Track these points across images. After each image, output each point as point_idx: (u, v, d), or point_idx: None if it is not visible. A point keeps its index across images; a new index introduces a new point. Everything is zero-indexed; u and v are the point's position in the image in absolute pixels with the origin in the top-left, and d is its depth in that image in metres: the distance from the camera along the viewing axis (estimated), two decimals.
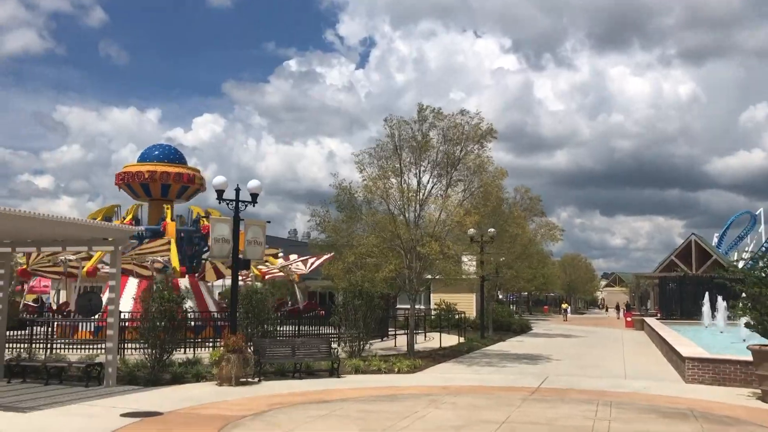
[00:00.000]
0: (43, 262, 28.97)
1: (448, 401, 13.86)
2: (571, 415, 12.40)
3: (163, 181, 32.29)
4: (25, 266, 28.29)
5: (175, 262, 28.31)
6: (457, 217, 21.67)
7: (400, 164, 22.40)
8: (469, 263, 32.37)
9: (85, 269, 28.42)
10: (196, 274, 31.26)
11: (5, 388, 15.12)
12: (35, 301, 43.59)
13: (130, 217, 31.18)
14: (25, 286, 43.69)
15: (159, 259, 28.56)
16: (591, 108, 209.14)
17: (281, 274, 34.89)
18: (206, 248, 32.10)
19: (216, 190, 18.25)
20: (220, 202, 18.34)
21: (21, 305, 35.57)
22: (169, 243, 28.44)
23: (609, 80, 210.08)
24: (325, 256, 30.98)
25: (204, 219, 32.73)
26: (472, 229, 26.02)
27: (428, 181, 22.75)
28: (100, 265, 28.55)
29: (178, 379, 16.71)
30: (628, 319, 52.61)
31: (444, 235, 22.66)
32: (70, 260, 29.06)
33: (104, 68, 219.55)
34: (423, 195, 22.61)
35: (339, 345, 21.76)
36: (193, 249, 32.61)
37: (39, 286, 46.98)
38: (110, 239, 15.86)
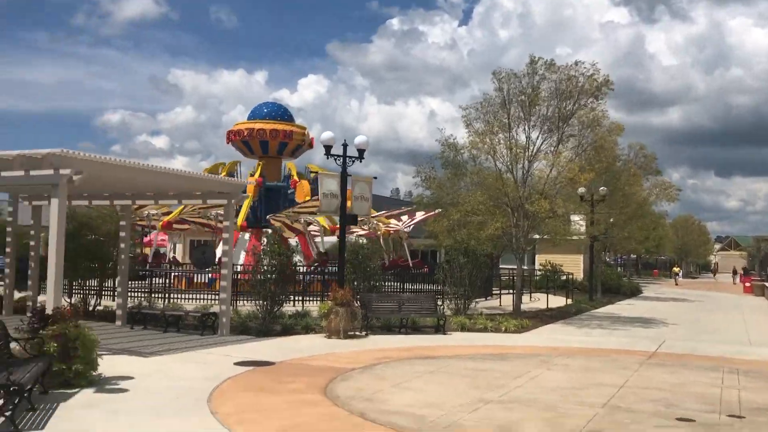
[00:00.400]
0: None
1: (559, 363, 13.43)
2: (694, 381, 11.70)
3: (272, 138, 32.90)
4: (168, 218, 29.61)
5: (240, 218, 28.90)
6: (570, 174, 20.83)
7: (509, 119, 21.68)
8: (578, 223, 31.29)
9: (161, 223, 29.55)
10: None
11: (129, 334, 15.93)
12: (154, 254, 45.92)
13: (224, 172, 31.82)
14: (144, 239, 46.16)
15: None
16: (707, 62, 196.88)
17: (398, 230, 35.00)
18: (295, 203, 32.44)
19: (324, 146, 18.29)
20: (327, 158, 18.39)
21: (141, 257, 37.64)
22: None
23: (728, 32, 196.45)
24: (428, 214, 30.80)
25: (294, 175, 33.19)
26: (582, 188, 25.04)
27: (537, 136, 21.97)
28: (175, 220, 29.63)
29: (287, 331, 17.09)
30: (747, 284, 49.68)
31: (554, 193, 21.87)
32: (153, 213, 30.24)
33: (215, 32, 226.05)
34: (532, 151, 21.85)
35: (443, 302, 21.60)
36: (284, 203, 33.06)
37: (157, 239, 49.52)
38: (225, 192, 16.21)
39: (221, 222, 31.69)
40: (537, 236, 24.24)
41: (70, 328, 9.85)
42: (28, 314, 10.23)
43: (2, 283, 20.10)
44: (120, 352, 13.14)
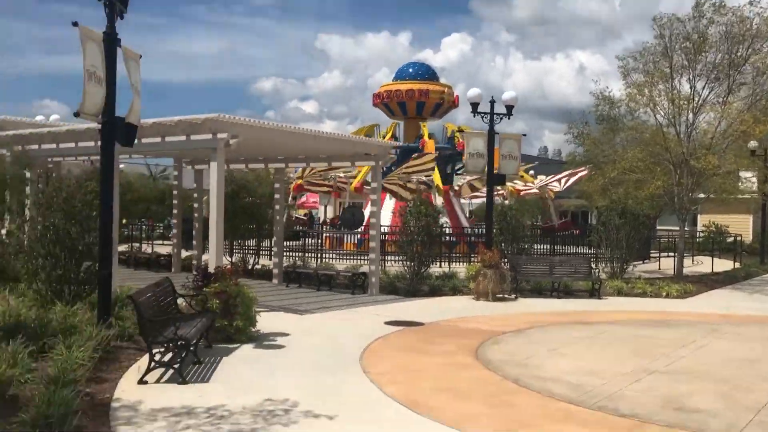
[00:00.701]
0: (315, 178, 31.18)
1: (730, 331, 12.36)
2: None
3: (418, 98, 32.76)
4: (299, 181, 30.64)
5: (437, 180, 28.80)
6: (744, 126, 18.97)
7: (671, 68, 20.02)
8: (749, 180, 28.69)
9: (352, 185, 30.15)
10: (452, 192, 31.64)
11: (284, 292, 16.56)
12: (305, 215, 47.79)
13: (389, 135, 32.09)
14: (296, 201, 48.09)
15: (423, 178, 29.22)
16: None
17: (536, 191, 34.02)
18: (461, 166, 32.27)
19: (470, 103, 17.84)
20: (474, 115, 17.94)
21: (293, 218, 39.17)
22: (434, 159, 28.70)
23: None
24: (581, 173, 29.48)
25: (458, 135, 32.77)
26: (753, 142, 22.80)
27: (703, 86, 20.13)
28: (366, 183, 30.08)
29: (435, 292, 17.04)
30: None
31: (723, 148, 20.08)
32: (339, 177, 30.97)
33: None
34: (697, 103, 20.10)
35: (597, 265, 20.63)
36: (448, 167, 32.96)
37: (308, 201, 51.38)
38: (372, 154, 16.27)
39: (342, 184, 32.32)
40: (702, 195, 22.44)
41: (230, 286, 10.28)
42: (193, 272, 10.78)
43: (171, 243, 21.59)
44: (276, 309, 13.65)
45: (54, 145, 15.52)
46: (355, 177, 30.67)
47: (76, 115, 8.41)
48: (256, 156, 18.18)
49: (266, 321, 11.50)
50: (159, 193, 34.80)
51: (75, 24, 8.37)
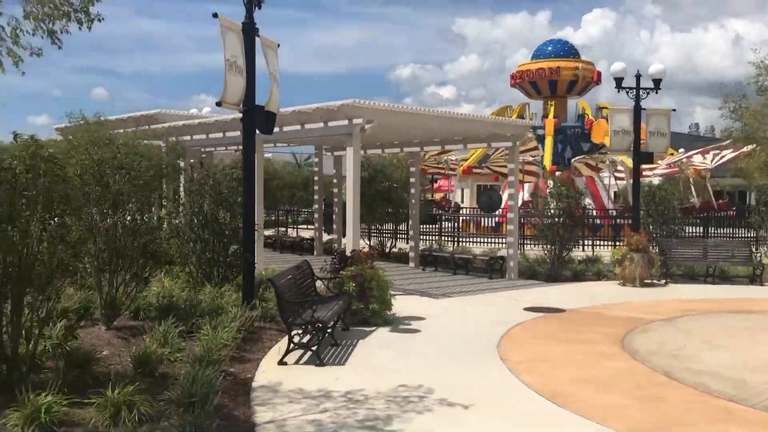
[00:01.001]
0: (431, 162, 31.12)
1: None
2: None
3: (549, 77, 31.65)
4: (467, 164, 30.63)
5: (546, 160, 27.79)
6: None
7: None
8: None
9: (460, 169, 29.77)
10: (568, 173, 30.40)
11: (420, 275, 16.54)
12: (442, 199, 47.66)
13: (515, 116, 31.25)
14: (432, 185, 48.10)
15: (529, 158, 28.29)
16: None
17: (675, 170, 31.93)
18: (588, 145, 30.81)
19: (614, 78, 16.88)
20: (618, 91, 16.95)
21: (447, 202, 39.34)
22: (535, 143, 27.79)
23: None
24: (729, 151, 27.26)
25: (588, 114, 31.39)
26: None
27: None
28: (475, 166, 29.62)
29: (577, 277, 16.37)
30: None
31: None
32: (451, 159, 30.65)
33: None
34: None
35: (759, 249, 18.98)
36: (566, 147, 31.62)
37: (445, 185, 51.30)
38: (508, 135, 15.82)
39: (453, 166, 31.79)
40: None
41: (366, 269, 10.35)
42: (332, 256, 10.96)
43: (314, 227, 22.22)
44: (412, 292, 13.65)
45: (204, 136, 16.36)
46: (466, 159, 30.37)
47: (219, 104, 8.73)
48: (391, 141, 18.25)
49: (402, 304, 11.50)
50: (303, 180, 35.99)
51: (215, 15, 8.67)
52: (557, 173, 26.96)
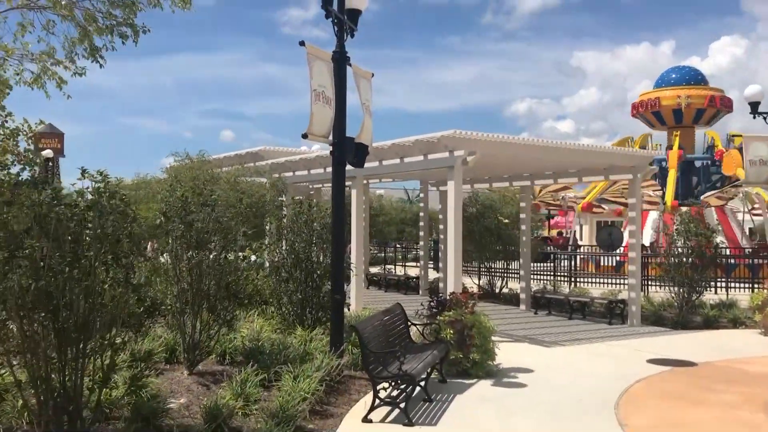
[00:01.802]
0: (547, 198, 29.60)
1: None
2: None
3: (679, 105, 29.61)
4: (588, 199, 29.23)
5: (668, 195, 25.68)
6: None
7: None
8: None
9: (579, 206, 28.02)
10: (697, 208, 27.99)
11: (532, 320, 15.33)
12: (559, 234, 45.70)
13: (637, 147, 29.35)
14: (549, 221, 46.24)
15: (650, 193, 26.25)
16: None
17: None
18: (718, 177, 28.46)
19: (749, 103, 15.20)
20: (754, 117, 15.24)
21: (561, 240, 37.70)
22: (655, 182, 25.91)
23: None
24: None
25: (718, 144, 29.04)
26: None
27: None
28: (596, 203, 27.78)
29: (710, 324, 14.62)
30: None
31: None
32: (569, 196, 29.03)
33: (617, 7, 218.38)
34: None
35: None
36: (695, 179, 29.28)
37: (563, 221, 49.18)
38: (628, 166, 14.50)
39: (572, 203, 29.82)
40: None
41: (465, 314, 9.43)
42: (428, 298, 10.12)
43: (419, 264, 21.47)
44: (521, 339, 12.53)
45: (306, 172, 16.11)
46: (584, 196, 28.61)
47: (305, 136, 8.22)
48: (500, 175, 17.30)
49: (507, 353, 10.46)
50: (413, 216, 35.48)
51: (302, 44, 8.22)
52: (683, 208, 24.91)
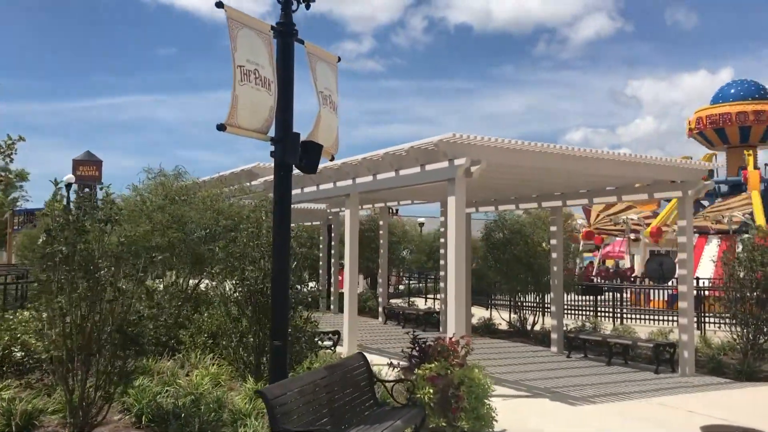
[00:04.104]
0: (605, 222, 26.80)
1: None
2: None
3: (741, 122, 26.71)
4: (588, 227, 26.52)
5: (759, 217, 22.69)
6: None
7: None
8: None
9: (647, 230, 25.10)
10: None
11: (561, 366, 12.83)
12: (614, 266, 42.33)
13: None
14: (600, 251, 43.07)
15: (738, 214, 23.29)
16: None
17: None
18: None
19: None
20: None
21: (595, 270, 34.57)
22: (749, 198, 23.06)
23: None
24: None
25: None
26: None
27: None
28: (666, 227, 24.83)
29: None
30: None
31: None
32: (632, 219, 26.16)
33: (672, 35, 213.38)
34: None
35: None
36: None
37: (614, 251, 45.80)
38: (677, 182, 12.01)
39: (636, 227, 26.72)
40: None
41: (453, 366, 7.14)
42: (408, 346, 7.85)
43: (440, 297, 19.09)
44: (541, 393, 10.09)
45: (299, 190, 14.08)
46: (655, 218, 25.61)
47: (221, 128, 6.14)
48: (527, 194, 14.95)
49: (518, 413, 8.13)
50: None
51: (220, 5, 6.17)
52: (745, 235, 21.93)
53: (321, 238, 24.27)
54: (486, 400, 7.25)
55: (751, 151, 26.80)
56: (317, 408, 5.65)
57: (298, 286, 8.92)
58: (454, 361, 7.24)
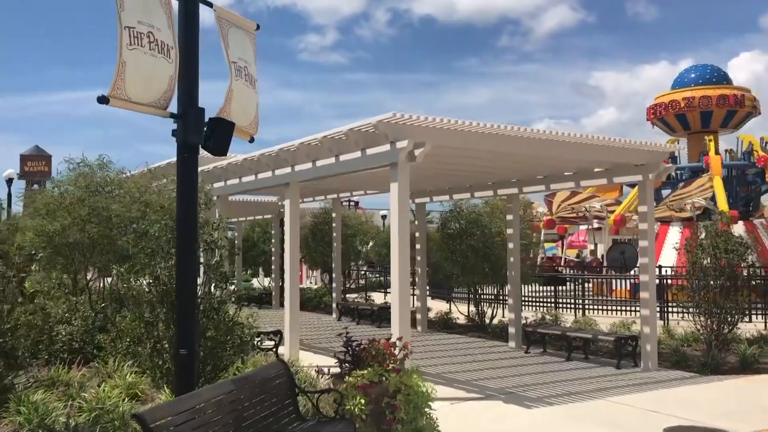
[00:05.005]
0: (567, 212, 26.25)
1: None
2: None
3: (703, 107, 26.35)
4: (549, 215, 25.93)
5: (722, 204, 22.31)
6: None
7: None
8: None
9: (611, 218, 24.60)
10: (753, 218, 24.56)
11: (519, 362, 12.11)
12: (577, 256, 42.02)
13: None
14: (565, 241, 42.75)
15: (701, 201, 22.89)
16: None
17: None
18: (765, 185, 25.23)
19: None
20: None
21: (562, 261, 34.14)
22: (710, 182, 22.70)
23: None
24: None
25: (758, 150, 25.71)
26: None
27: None
28: (629, 214, 24.33)
29: (747, 366, 11.34)
30: None
31: None
32: (594, 207, 25.65)
33: (633, 27, 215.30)
34: None
35: None
36: (748, 188, 25.91)
37: (577, 240, 45.44)
38: (638, 164, 11.34)
39: (598, 215, 26.29)
40: None
41: (389, 373, 6.31)
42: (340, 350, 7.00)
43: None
44: (494, 394, 9.32)
45: (237, 180, 13.12)
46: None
47: (102, 100, 5.18)
48: (483, 181, 14.18)
49: (467, 420, 7.33)
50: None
51: None
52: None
53: (273, 232, 23.30)
54: (427, 409, 6.43)
55: (712, 137, 26.48)
56: (219, 430, 4.75)
57: (223, 284, 8.00)
58: (390, 366, 6.41)
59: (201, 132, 5.87)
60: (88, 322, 9.88)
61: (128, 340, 8.26)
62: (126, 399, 7.28)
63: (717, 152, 25.32)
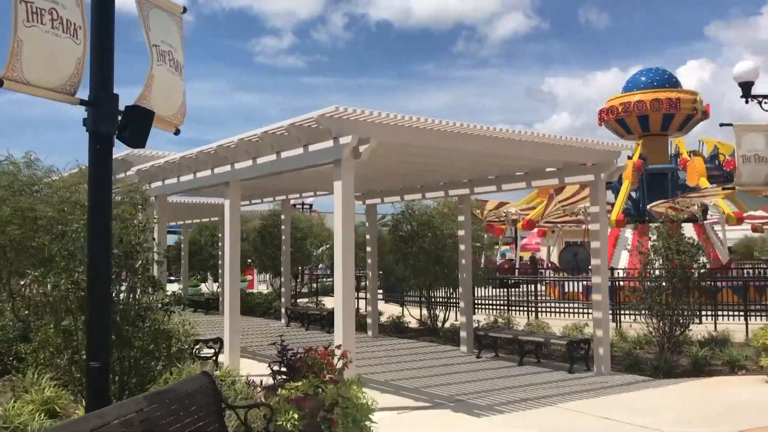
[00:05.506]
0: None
1: None
2: None
3: (667, 110, 26.49)
4: (531, 215, 25.69)
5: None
6: None
7: None
8: None
9: (521, 222, 24.65)
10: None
11: (471, 368, 11.72)
12: (531, 259, 42.13)
13: (636, 155, 25.76)
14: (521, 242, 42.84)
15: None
16: None
17: None
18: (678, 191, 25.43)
19: (739, 84, 11.99)
20: (747, 101, 12.00)
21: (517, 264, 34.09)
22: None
23: None
24: None
25: (682, 153, 26.07)
26: None
27: None
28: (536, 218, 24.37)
29: (700, 368, 11.17)
30: None
31: None
32: (510, 212, 25.69)
33: (585, 34, 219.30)
34: None
35: None
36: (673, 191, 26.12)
37: (531, 243, 45.57)
38: (589, 164, 11.08)
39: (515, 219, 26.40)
40: None
41: (326, 384, 5.81)
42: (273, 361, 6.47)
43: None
44: (443, 403, 8.89)
45: (175, 180, 12.47)
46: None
47: None
48: (435, 181, 13.80)
49: (412, 430, 6.86)
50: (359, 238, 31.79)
51: None
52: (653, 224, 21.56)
53: (220, 235, 22.56)
54: (367, 422, 5.95)
55: (681, 139, 26.67)
56: None
57: (151, 290, 7.40)
58: (327, 377, 5.91)
59: (114, 121, 5.29)
60: (7, 331, 9.14)
61: (50, 350, 7.59)
62: (42, 415, 6.65)
63: (697, 153, 25.52)
